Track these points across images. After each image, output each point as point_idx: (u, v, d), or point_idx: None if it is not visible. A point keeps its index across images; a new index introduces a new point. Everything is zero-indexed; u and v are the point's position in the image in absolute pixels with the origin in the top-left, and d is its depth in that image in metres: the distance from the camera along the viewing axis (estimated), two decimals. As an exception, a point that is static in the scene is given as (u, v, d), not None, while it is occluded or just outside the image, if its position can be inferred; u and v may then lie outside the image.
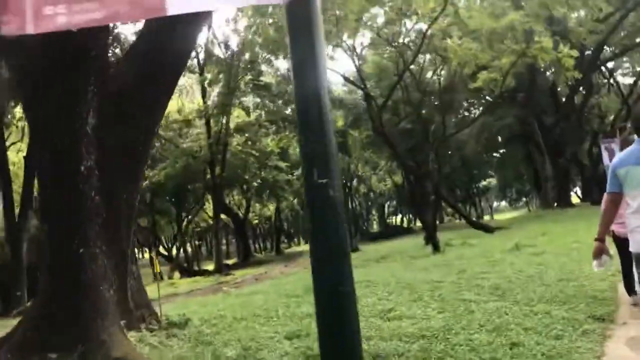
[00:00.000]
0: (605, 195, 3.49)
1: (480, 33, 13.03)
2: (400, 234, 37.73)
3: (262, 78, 22.67)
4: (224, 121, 22.75)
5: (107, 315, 4.89)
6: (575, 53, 12.94)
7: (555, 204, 28.21)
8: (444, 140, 20.84)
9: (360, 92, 31.75)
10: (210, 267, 40.66)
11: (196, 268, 41.03)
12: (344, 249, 1.53)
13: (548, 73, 33.42)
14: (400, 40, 17.60)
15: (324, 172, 1.50)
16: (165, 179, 23.72)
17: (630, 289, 5.19)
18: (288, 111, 25.64)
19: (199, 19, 6.22)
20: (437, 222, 48.95)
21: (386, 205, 64.93)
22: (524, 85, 27.91)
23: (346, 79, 23.53)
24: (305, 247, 50.71)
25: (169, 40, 5.62)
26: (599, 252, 3.44)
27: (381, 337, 4.71)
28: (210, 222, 53.42)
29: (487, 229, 20.07)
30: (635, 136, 3.16)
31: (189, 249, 54.55)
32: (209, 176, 23.31)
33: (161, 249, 40.15)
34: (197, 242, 55.12)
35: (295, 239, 69.92)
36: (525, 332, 4.40)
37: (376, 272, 9.98)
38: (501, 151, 49.65)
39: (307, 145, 1.54)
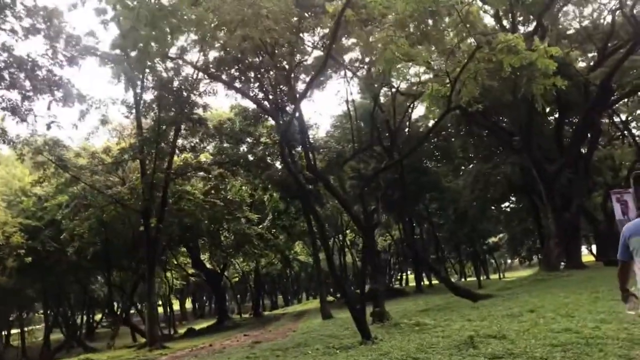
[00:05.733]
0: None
1: (408, 20, 9.27)
2: (391, 296, 33.72)
3: (205, 114, 19.49)
4: (165, 164, 19.50)
5: None
6: (557, 51, 9.09)
7: (562, 265, 24.06)
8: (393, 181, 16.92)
9: (337, 134, 28.77)
10: (188, 327, 36.86)
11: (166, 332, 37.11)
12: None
13: (551, 118, 30.11)
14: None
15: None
16: (89, 230, 20.35)
17: None
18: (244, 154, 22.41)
19: None
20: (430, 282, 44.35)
21: (391, 262, 60.44)
22: (522, 128, 24.52)
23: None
24: (289, 309, 46.29)
25: None
26: (627, 297, 3.93)
27: None
28: (192, 278, 49.66)
29: (472, 297, 16.20)
30: None
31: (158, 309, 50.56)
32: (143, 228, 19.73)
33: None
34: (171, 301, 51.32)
35: (295, 299, 65.38)
36: None
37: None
38: (509, 205, 45.81)
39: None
